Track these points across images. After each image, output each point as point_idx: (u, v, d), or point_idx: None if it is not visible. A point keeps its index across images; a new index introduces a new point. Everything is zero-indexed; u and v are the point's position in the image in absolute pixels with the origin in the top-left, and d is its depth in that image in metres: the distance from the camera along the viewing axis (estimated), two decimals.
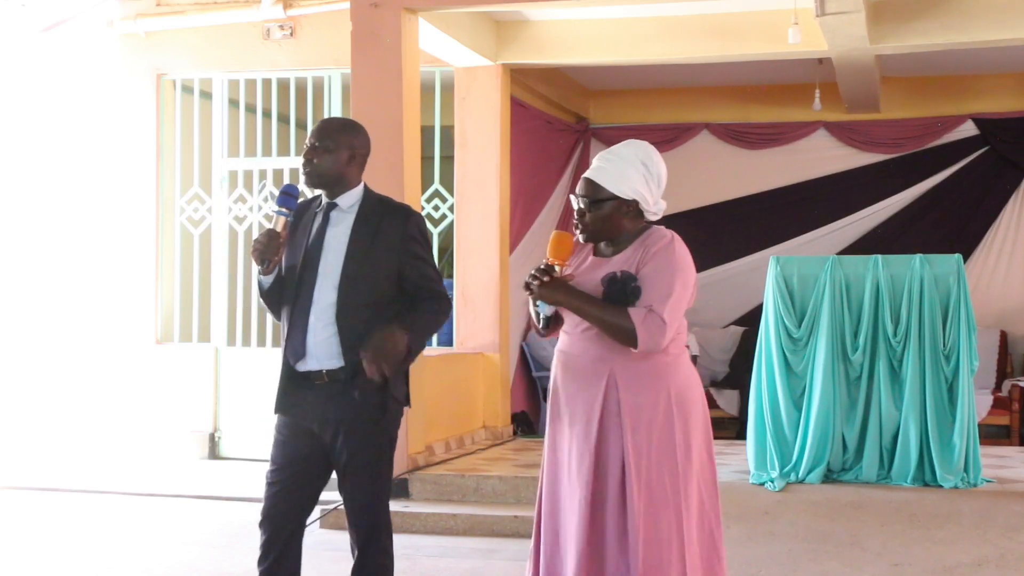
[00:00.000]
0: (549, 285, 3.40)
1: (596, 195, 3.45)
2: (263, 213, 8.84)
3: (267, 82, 9.03)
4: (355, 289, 3.71)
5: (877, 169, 10.86)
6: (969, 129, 10.57)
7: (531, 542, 3.64)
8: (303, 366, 3.73)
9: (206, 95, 9.18)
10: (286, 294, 3.78)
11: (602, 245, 3.55)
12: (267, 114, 9.09)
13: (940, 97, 10.63)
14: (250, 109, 9.04)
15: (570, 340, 3.53)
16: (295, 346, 3.73)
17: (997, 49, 8.43)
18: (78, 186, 9.39)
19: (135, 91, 9.17)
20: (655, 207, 3.52)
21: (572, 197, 3.55)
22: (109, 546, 6.22)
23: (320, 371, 3.72)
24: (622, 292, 3.37)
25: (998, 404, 9.46)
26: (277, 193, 3.93)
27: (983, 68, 10.20)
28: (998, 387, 9.85)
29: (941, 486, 6.78)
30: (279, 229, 3.71)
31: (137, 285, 9.14)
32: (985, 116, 10.52)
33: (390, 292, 3.76)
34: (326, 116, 8.83)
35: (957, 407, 6.90)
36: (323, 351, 3.71)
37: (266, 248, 3.68)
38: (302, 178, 3.76)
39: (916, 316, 6.98)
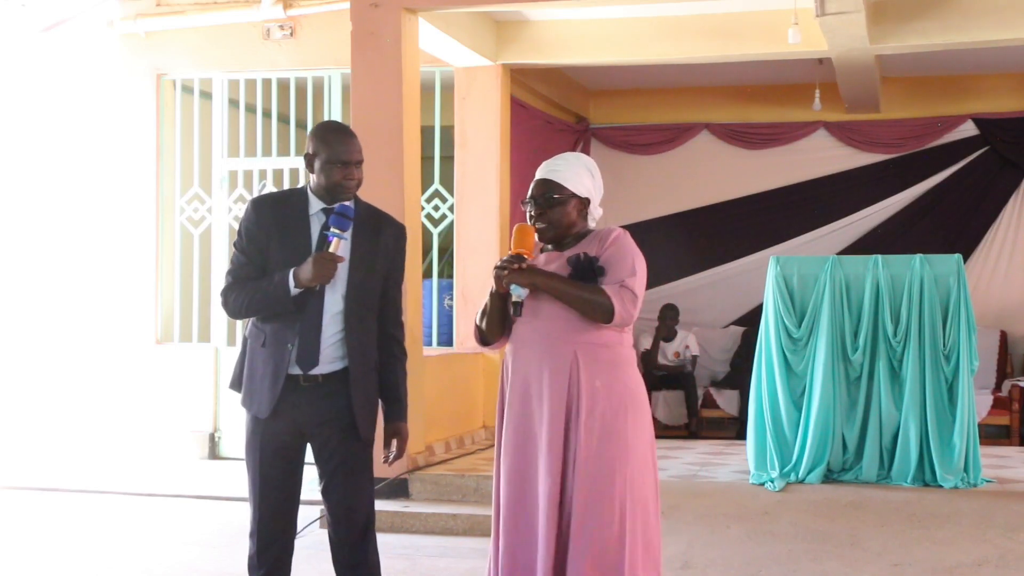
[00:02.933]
0: (524, 270, 3.57)
1: (556, 193, 3.66)
2: None
3: (267, 82, 9.03)
4: (360, 297, 3.74)
5: (877, 169, 10.86)
6: (969, 129, 10.57)
7: (492, 535, 3.73)
8: (307, 372, 3.71)
9: (206, 95, 9.17)
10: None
11: (549, 246, 3.73)
12: (267, 114, 9.09)
13: (940, 97, 10.63)
14: (250, 109, 9.04)
15: (527, 329, 3.63)
16: (307, 354, 3.69)
17: (997, 49, 8.44)
18: (78, 186, 9.39)
19: (135, 91, 9.17)
20: (596, 212, 3.75)
21: (525, 204, 3.71)
22: (109, 546, 6.22)
23: (317, 375, 3.71)
24: (589, 270, 3.57)
25: (998, 404, 9.46)
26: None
27: (983, 68, 10.20)
28: (998, 387, 9.85)
29: (941, 486, 6.79)
30: (336, 251, 3.65)
31: (137, 285, 9.14)
32: (985, 116, 10.51)
33: (378, 299, 3.83)
34: (326, 116, 8.85)
35: (957, 407, 6.91)
36: (328, 356, 3.71)
37: (332, 272, 3.63)
38: (321, 191, 3.72)
39: (916, 316, 6.98)
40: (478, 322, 3.77)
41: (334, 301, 3.71)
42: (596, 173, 3.76)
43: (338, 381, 3.72)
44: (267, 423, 3.75)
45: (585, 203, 3.70)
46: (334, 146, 3.71)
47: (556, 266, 3.62)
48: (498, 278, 3.59)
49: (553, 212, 3.66)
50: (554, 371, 3.55)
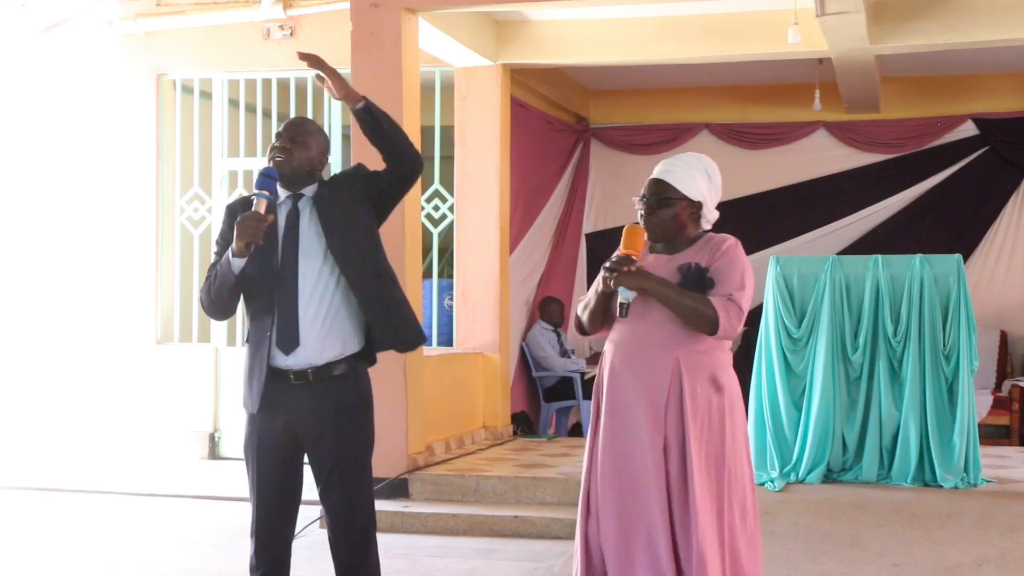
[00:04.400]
0: (634, 272, 3.54)
1: (666, 194, 3.64)
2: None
3: (267, 82, 9.03)
4: (353, 263, 3.72)
5: (877, 169, 10.86)
6: (969, 129, 10.58)
7: (579, 535, 3.67)
8: (294, 360, 3.69)
9: (206, 95, 9.17)
10: (259, 288, 3.74)
11: (659, 247, 3.69)
12: (267, 114, 9.09)
13: (940, 97, 10.63)
14: (250, 109, 9.04)
15: (630, 330, 3.62)
16: (286, 337, 3.68)
17: (997, 49, 8.44)
18: (78, 186, 9.38)
19: (135, 91, 9.17)
20: (711, 215, 3.72)
21: (636, 200, 3.70)
22: (109, 546, 6.22)
23: (306, 369, 3.70)
24: (699, 281, 3.56)
25: (998, 404, 9.46)
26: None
27: (983, 68, 10.20)
28: (998, 387, 9.85)
29: (941, 486, 6.79)
30: (263, 211, 3.69)
31: (137, 285, 9.14)
32: (985, 116, 10.52)
33: (379, 252, 3.82)
34: (326, 116, 8.86)
35: (957, 407, 6.91)
36: (313, 344, 3.70)
37: (256, 231, 3.65)
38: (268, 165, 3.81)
39: (916, 316, 6.98)
40: (579, 313, 3.78)
41: (309, 275, 3.71)
42: (715, 175, 3.71)
43: (330, 378, 3.71)
44: (263, 423, 3.74)
45: (697, 207, 3.66)
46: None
47: (665, 272, 3.59)
48: (607, 279, 3.57)
49: (662, 213, 3.64)
50: (656, 375, 3.55)
